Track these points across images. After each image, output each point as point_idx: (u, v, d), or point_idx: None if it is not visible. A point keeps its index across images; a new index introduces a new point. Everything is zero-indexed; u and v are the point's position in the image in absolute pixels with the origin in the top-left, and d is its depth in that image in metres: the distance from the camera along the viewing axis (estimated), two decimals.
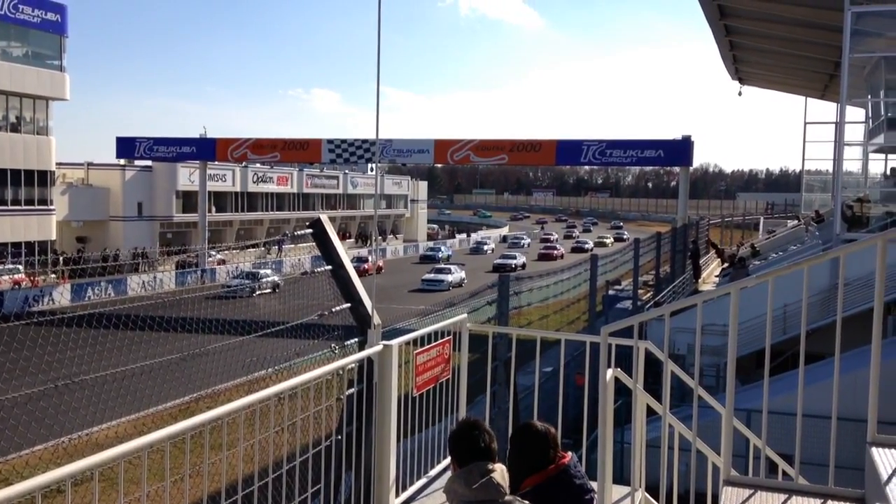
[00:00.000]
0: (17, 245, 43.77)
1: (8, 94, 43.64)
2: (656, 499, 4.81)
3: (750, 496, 4.06)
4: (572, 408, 9.02)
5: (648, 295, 23.85)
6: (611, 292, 22.04)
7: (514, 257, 64.58)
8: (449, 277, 50.37)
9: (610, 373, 4.64)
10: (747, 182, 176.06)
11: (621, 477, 5.59)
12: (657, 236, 24.97)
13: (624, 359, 5.03)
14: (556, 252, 70.53)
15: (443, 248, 72.01)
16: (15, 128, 44.71)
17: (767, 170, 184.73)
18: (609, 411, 4.43)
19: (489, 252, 77.40)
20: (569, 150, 45.75)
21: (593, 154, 44.81)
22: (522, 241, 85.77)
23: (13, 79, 43.28)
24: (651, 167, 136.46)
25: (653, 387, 5.29)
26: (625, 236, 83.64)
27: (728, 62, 30.48)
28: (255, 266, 50.09)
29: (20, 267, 40.18)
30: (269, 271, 30.52)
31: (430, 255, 69.04)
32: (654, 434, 5.78)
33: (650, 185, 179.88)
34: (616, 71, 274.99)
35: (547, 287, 17.15)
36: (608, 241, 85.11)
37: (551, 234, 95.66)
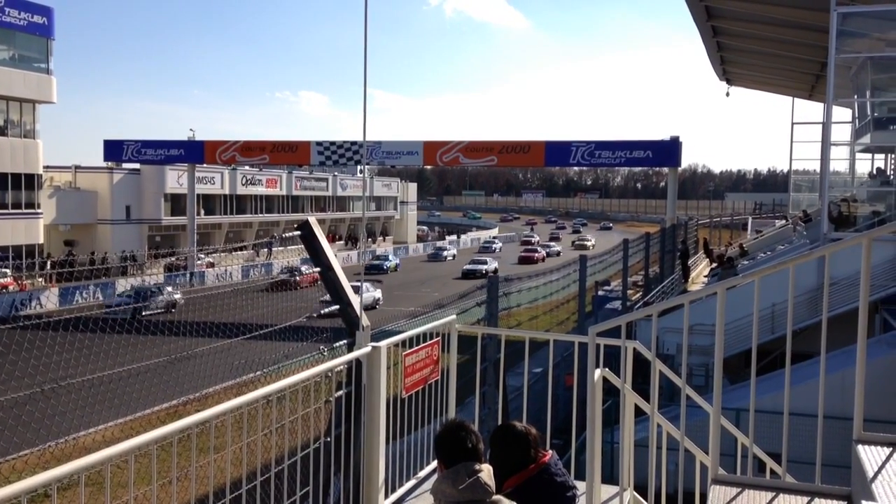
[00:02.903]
0: (3, 249, 43.47)
1: None
2: (645, 498, 4.83)
3: (738, 494, 4.08)
4: (562, 408, 9.03)
5: (638, 295, 23.91)
6: (600, 293, 22.09)
7: (485, 262, 59.24)
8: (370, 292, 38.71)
9: (598, 373, 4.66)
10: (735, 182, 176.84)
11: (611, 476, 5.61)
12: (646, 237, 25.05)
13: (613, 359, 5.04)
14: (536, 255, 67.31)
15: (391, 257, 63.93)
16: (2, 131, 44.40)
17: (755, 170, 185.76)
18: (597, 411, 4.44)
19: (450, 258, 71.58)
20: (558, 152, 45.82)
21: (582, 155, 44.89)
22: (494, 246, 79.96)
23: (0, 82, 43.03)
24: (640, 168, 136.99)
25: (641, 387, 5.31)
26: (588, 244, 77.40)
27: (716, 63, 30.62)
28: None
29: (7, 271, 39.91)
30: (171, 288, 27.83)
31: (376, 264, 59.85)
32: (643, 434, 5.80)
33: (639, 185, 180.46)
34: (603, 72, 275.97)
35: (536, 288, 17.18)
36: (589, 242, 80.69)
37: (533, 236, 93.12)
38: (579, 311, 17.74)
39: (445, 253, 73.91)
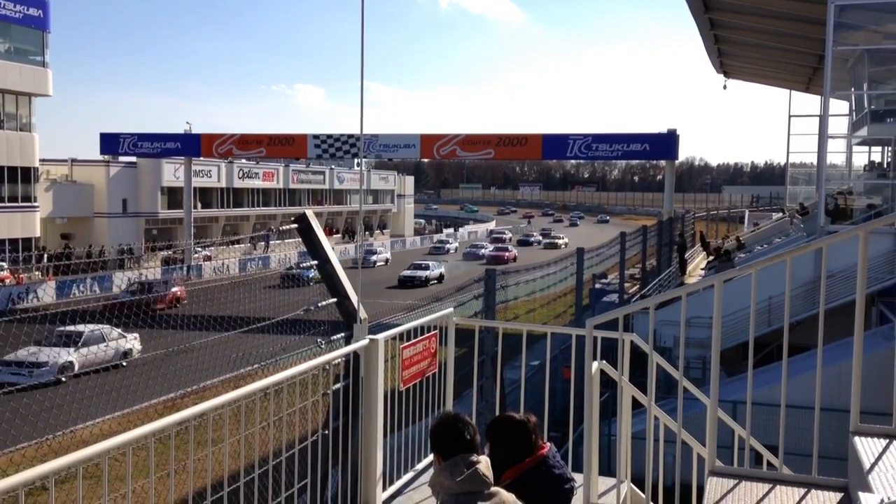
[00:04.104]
0: (0, 242, 43.39)
1: None
2: (642, 490, 4.84)
3: (735, 486, 4.09)
4: (559, 401, 9.04)
5: (635, 288, 23.93)
6: (597, 286, 22.10)
7: (427, 268, 48.94)
8: None
9: (595, 365, 4.67)
10: (733, 175, 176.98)
11: (608, 469, 5.62)
12: (643, 230, 25.06)
13: (610, 352, 5.05)
14: (507, 255, 60.44)
15: (380, 249, 60.55)
16: None
17: (752, 163, 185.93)
18: (595, 404, 4.46)
19: (378, 264, 57.49)
20: (555, 145, 45.79)
21: (579, 148, 44.86)
22: (448, 246, 71.57)
23: None
24: (637, 161, 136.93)
25: (639, 379, 5.32)
26: (560, 243, 73.02)
27: (713, 56, 30.59)
28: (241, 261, 49.88)
29: (4, 264, 39.84)
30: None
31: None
32: (640, 426, 5.81)
33: (636, 178, 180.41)
34: (600, 66, 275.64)
35: (534, 281, 17.19)
36: (561, 241, 75.41)
37: (504, 233, 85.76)
38: (576, 304, 17.76)
39: (375, 258, 59.12)
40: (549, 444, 3.61)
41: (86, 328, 16.50)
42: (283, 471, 4.27)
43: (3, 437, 8.31)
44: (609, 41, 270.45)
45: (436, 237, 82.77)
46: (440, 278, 48.60)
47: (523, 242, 79.45)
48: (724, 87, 36.05)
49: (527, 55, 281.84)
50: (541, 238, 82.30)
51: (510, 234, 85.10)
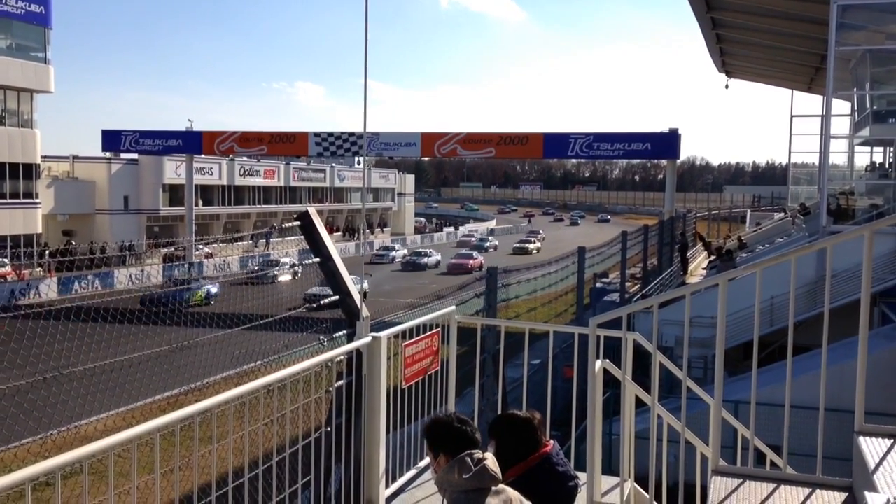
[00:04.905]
0: (2, 239, 43.42)
1: None
2: (645, 489, 4.84)
3: (739, 486, 4.09)
4: (561, 400, 9.05)
5: (636, 288, 23.92)
6: (598, 285, 22.10)
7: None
8: None
9: (598, 364, 4.67)
10: (734, 175, 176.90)
11: (609, 468, 5.62)
12: (644, 229, 25.06)
13: (612, 351, 5.05)
14: (471, 263, 53.93)
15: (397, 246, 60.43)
16: None
17: (754, 163, 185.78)
18: (598, 402, 4.46)
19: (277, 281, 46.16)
20: (556, 144, 45.76)
21: (580, 147, 44.83)
22: (392, 254, 61.14)
23: None
24: (638, 160, 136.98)
25: (640, 379, 5.32)
26: (531, 248, 68.40)
27: (715, 55, 30.56)
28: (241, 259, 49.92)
29: (6, 260, 39.86)
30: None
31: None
32: (642, 426, 5.82)
33: (637, 178, 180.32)
34: (600, 65, 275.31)
35: (535, 280, 17.20)
36: (532, 245, 70.97)
37: (471, 237, 79.55)
38: (577, 302, 17.77)
39: (393, 254, 59.48)
40: (552, 441, 3.61)
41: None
42: (287, 467, 4.27)
43: (7, 431, 8.33)
44: (609, 40, 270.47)
45: (378, 243, 71.24)
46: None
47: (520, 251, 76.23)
48: (727, 87, 36.08)
49: (527, 54, 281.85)
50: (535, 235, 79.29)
51: (483, 238, 78.17)
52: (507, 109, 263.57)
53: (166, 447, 3.24)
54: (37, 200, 46.18)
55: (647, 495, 4.62)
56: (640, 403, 5.15)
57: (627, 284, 22.54)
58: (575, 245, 21.13)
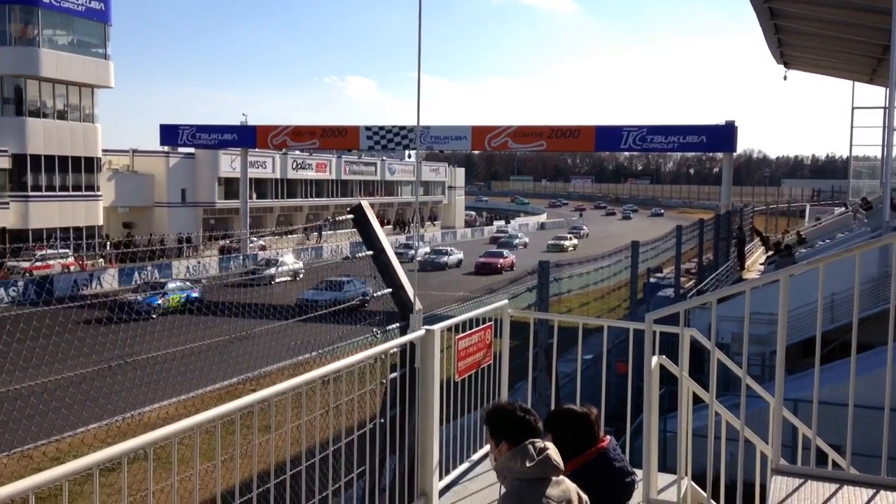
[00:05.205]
0: (65, 230, 44.79)
1: (55, 81, 44.54)
2: (701, 487, 4.77)
3: (800, 486, 4.00)
4: (614, 395, 8.96)
5: (690, 283, 23.54)
6: (652, 280, 21.79)
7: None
8: None
9: (655, 360, 4.61)
10: (792, 168, 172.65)
11: (664, 465, 5.56)
12: (700, 223, 24.64)
13: (666, 347, 4.98)
14: (500, 262, 49.36)
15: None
16: (62, 115, 45.64)
17: (813, 156, 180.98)
18: (654, 398, 4.41)
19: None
20: (608, 136, 45.30)
21: (633, 140, 44.32)
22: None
23: (59, 67, 44.15)
24: (693, 153, 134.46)
25: (695, 376, 5.24)
26: (566, 245, 63.70)
27: (773, 46, 29.81)
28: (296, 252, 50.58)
29: (69, 251, 41.10)
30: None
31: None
32: (698, 423, 5.72)
33: (692, 171, 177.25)
34: (653, 58, 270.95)
35: (587, 274, 17.05)
36: (568, 242, 66.10)
37: (505, 233, 74.34)
38: (631, 298, 17.56)
39: (446, 258, 52.23)
40: (609, 437, 3.59)
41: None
42: (343, 457, 4.33)
43: (74, 417, 8.62)
44: (663, 32, 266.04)
45: (400, 240, 61.53)
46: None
47: (573, 235, 73.74)
48: (785, 78, 35.13)
49: (579, 46, 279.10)
50: (578, 230, 76.46)
51: (517, 234, 73.24)
52: (558, 102, 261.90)
53: (225, 435, 3.31)
54: (98, 193, 47.51)
55: (705, 493, 4.55)
56: (695, 400, 5.08)
57: (682, 279, 22.18)
58: (623, 240, 20.88)
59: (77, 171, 45.92)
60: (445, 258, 50.99)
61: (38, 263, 37.45)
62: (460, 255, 53.40)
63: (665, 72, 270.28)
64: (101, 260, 43.00)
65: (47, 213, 43.88)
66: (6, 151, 42.47)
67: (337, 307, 5.74)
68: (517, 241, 67.19)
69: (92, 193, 46.92)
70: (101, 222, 47.97)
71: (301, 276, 29.35)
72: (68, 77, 44.82)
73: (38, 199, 43.62)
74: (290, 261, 33.33)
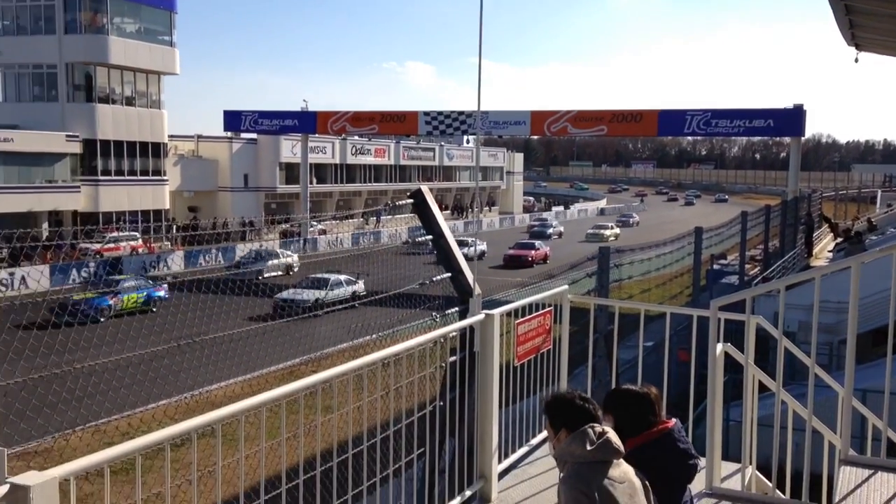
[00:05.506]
0: (133, 213, 46.16)
1: (123, 68, 45.80)
2: (767, 477, 4.68)
3: (869, 476, 3.90)
4: (675, 384, 8.84)
5: (755, 270, 23.00)
6: (715, 267, 21.36)
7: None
8: None
9: (719, 348, 4.54)
10: (863, 153, 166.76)
11: (726, 454, 5.47)
12: (766, 209, 24.03)
13: (729, 335, 4.89)
14: (532, 254, 46.22)
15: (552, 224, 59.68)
16: (130, 101, 46.93)
17: (885, 140, 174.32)
18: (718, 386, 4.34)
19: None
20: (671, 121, 44.40)
21: (697, 124, 43.33)
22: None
23: (127, 54, 45.37)
24: (759, 138, 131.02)
25: (759, 364, 5.13)
26: (607, 234, 59.06)
27: (843, 28, 28.70)
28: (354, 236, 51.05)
29: (137, 234, 42.37)
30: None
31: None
32: (762, 412, 5.61)
33: (758, 156, 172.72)
34: (718, 42, 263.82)
35: (648, 260, 16.81)
36: (609, 231, 61.20)
37: (545, 221, 69.22)
38: (693, 284, 17.24)
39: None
40: (674, 419, 3.54)
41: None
42: (403, 438, 4.38)
43: (146, 394, 8.92)
44: (728, 15, 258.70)
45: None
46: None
47: (622, 223, 70.14)
48: (856, 61, 33.80)
49: (642, 32, 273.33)
50: (627, 219, 72.38)
51: (551, 223, 67.91)
52: (620, 88, 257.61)
53: (287, 414, 3.39)
54: (164, 178, 48.79)
55: (770, 483, 4.47)
56: (760, 389, 4.98)
57: (747, 267, 21.68)
58: (684, 227, 20.40)
59: (144, 156, 47.21)
60: (465, 250, 45.72)
61: (109, 245, 38.70)
62: (483, 247, 48.01)
63: (731, 59, 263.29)
64: (167, 243, 44.19)
65: (116, 196, 45.27)
66: (77, 137, 43.89)
67: (400, 290, 5.79)
68: (551, 230, 62.86)
69: (159, 178, 48.21)
70: (167, 206, 49.29)
71: (296, 269, 28.51)
72: (136, 64, 46.02)
73: (107, 183, 45.01)
74: (284, 254, 32.39)
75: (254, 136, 57.16)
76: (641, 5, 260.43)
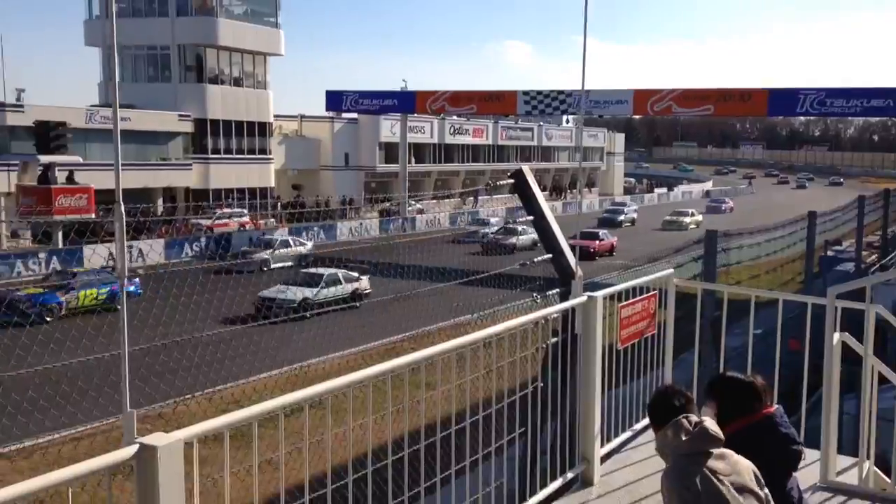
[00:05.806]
0: (241, 191, 47.88)
1: (231, 50, 47.36)
2: (886, 474, 4.46)
3: None
4: (785, 374, 8.53)
5: (873, 257, 21.81)
6: (829, 253, 20.36)
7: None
8: None
9: (836, 337, 4.34)
10: None
11: (840, 448, 5.25)
12: (885, 193, 22.72)
13: (843, 324, 4.67)
14: (596, 245, 39.12)
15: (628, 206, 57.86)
16: (238, 82, 48.53)
17: None
18: (835, 377, 4.16)
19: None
20: (783, 100, 42.45)
21: (811, 104, 41.28)
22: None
23: (235, 36, 46.87)
24: (878, 118, 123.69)
25: (877, 355, 4.88)
26: (687, 222, 54.22)
27: None
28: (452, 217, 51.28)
29: (245, 210, 43.94)
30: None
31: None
32: (882, 405, 5.34)
33: (876, 138, 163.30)
34: (836, 24, 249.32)
35: (758, 245, 16.17)
36: (689, 219, 55.53)
37: (622, 206, 62.61)
38: (806, 271, 16.49)
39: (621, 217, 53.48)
40: (776, 405, 3.42)
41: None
42: (505, 417, 4.40)
43: (247, 367, 9.29)
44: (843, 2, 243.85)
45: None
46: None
47: (713, 209, 65.84)
48: None
49: (754, 10, 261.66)
50: (719, 204, 67.39)
51: (622, 208, 61.50)
52: (728, 68, 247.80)
53: (388, 390, 3.46)
54: (270, 156, 50.34)
55: (889, 480, 4.25)
56: (880, 381, 4.73)
57: (864, 253, 20.58)
58: (789, 214, 19.39)
59: (251, 136, 48.80)
60: (513, 239, 37.78)
61: (218, 222, 40.30)
62: (534, 236, 44.47)
63: (846, 42, 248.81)
64: (273, 220, 45.64)
65: (225, 174, 47.02)
66: (189, 116, 45.76)
67: (500, 271, 5.80)
68: (622, 217, 56.93)
69: (265, 157, 49.77)
70: (272, 184, 50.85)
71: (310, 260, 27.94)
72: (243, 46, 47.49)
73: (217, 161, 46.79)
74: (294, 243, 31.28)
75: (354, 115, 58.11)
76: None
